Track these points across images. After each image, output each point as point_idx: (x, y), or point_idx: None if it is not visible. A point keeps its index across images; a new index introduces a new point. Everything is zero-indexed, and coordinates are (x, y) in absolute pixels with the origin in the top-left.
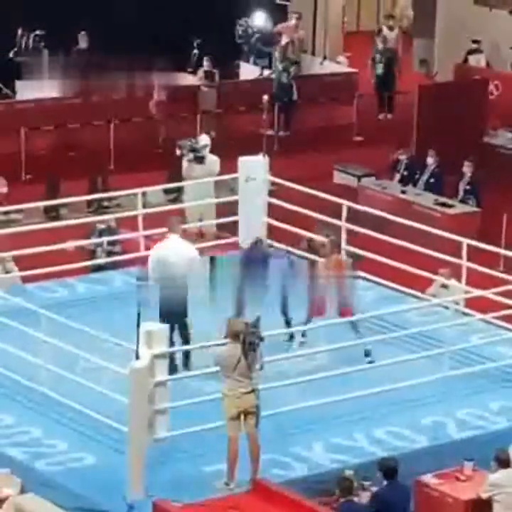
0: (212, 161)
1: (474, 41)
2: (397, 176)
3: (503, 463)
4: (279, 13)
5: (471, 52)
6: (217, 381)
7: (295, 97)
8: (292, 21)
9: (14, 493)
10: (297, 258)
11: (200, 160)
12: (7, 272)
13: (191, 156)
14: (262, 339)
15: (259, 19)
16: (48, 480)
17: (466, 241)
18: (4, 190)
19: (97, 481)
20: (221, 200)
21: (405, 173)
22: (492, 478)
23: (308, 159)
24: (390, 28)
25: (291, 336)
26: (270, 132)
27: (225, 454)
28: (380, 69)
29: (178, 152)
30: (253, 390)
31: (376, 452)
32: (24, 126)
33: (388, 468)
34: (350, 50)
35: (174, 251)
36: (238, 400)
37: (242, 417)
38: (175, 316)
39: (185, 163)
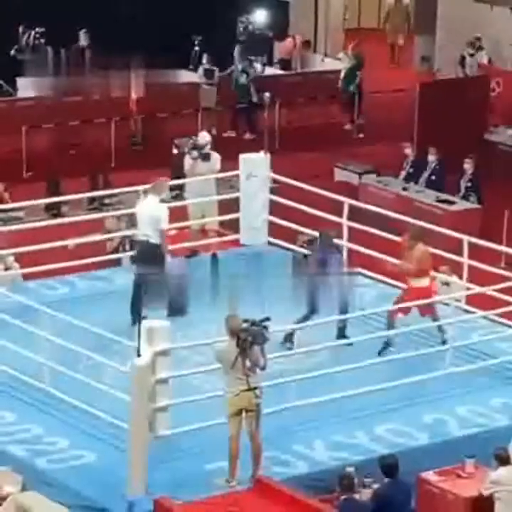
0: (214, 158)
1: (475, 38)
2: (403, 174)
3: (503, 461)
4: (281, 11)
5: None
6: (218, 378)
7: (255, 99)
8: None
9: (15, 491)
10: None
11: (205, 157)
12: (7, 269)
13: (195, 153)
14: (265, 339)
15: (260, 16)
16: (49, 477)
17: (467, 238)
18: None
19: (98, 478)
20: (223, 197)
21: (411, 170)
22: (493, 476)
23: (310, 156)
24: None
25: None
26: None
27: (226, 452)
28: (342, 73)
29: (175, 151)
30: (252, 388)
31: (377, 449)
32: (25, 124)
33: (388, 466)
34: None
35: (143, 208)
36: (237, 397)
37: (243, 414)
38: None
39: (189, 161)
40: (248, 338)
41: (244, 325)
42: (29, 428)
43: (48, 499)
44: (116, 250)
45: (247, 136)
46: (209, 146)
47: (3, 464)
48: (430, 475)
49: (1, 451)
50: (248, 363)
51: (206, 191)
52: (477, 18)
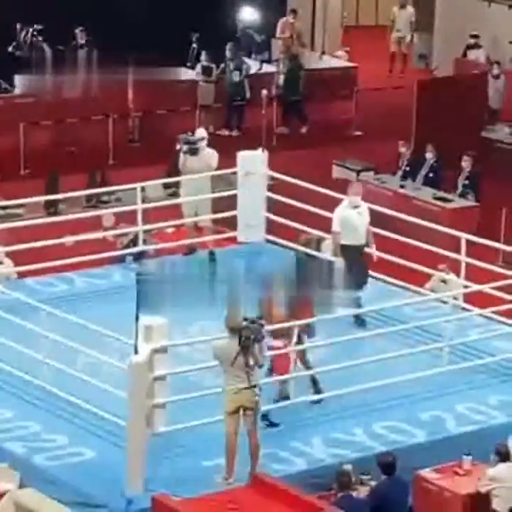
0: (210, 154)
1: (473, 36)
2: (400, 173)
3: (503, 456)
4: (278, 7)
5: (470, 47)
6: (216, 375)
7: (248, 95)
8: (289, 19)
9: (13, 488)
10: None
11: (193, 152)
12: None
13: (185, 148)
14: (263, 337)
15: (249, 13)
16: (47, 474)
17: (464, 236)
18: None
19: (96, 475)
20: (219, 194)
21: (407, 168)
22: (491, 473)
23: (308, 154)
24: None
25: None
26: (226, 132)
27: (224, 449)
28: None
29: (177, 146)
30: (252, 386)
31: (375, 447)
32: (23, 121)
33: (386, 464)
34: (349, 45)
35: None
36: (236, 395)
37: (241, 412)
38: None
39: (182, 157)
40: (251, 336)
41: (244, 323)
42: (27, 425)
43: (45, 496)
44: (127, 247)
45: (234, 133)
46: (205, 142)
47: (1, 461)
48: (427, 472)
49: None
50: (251, 361)
51: (199, 187)
52: (475, 15)
